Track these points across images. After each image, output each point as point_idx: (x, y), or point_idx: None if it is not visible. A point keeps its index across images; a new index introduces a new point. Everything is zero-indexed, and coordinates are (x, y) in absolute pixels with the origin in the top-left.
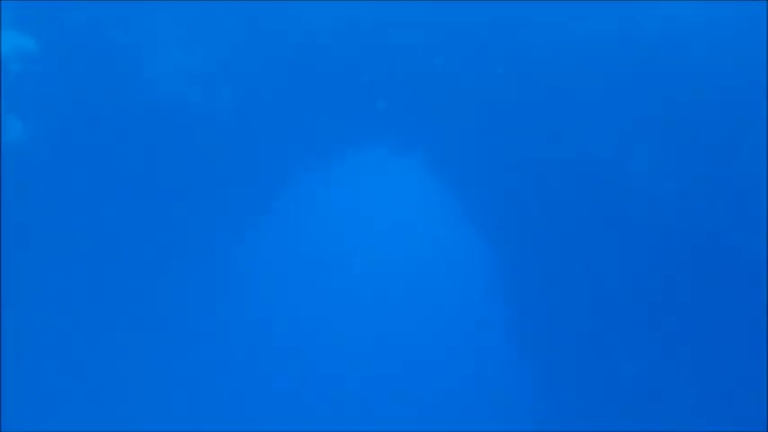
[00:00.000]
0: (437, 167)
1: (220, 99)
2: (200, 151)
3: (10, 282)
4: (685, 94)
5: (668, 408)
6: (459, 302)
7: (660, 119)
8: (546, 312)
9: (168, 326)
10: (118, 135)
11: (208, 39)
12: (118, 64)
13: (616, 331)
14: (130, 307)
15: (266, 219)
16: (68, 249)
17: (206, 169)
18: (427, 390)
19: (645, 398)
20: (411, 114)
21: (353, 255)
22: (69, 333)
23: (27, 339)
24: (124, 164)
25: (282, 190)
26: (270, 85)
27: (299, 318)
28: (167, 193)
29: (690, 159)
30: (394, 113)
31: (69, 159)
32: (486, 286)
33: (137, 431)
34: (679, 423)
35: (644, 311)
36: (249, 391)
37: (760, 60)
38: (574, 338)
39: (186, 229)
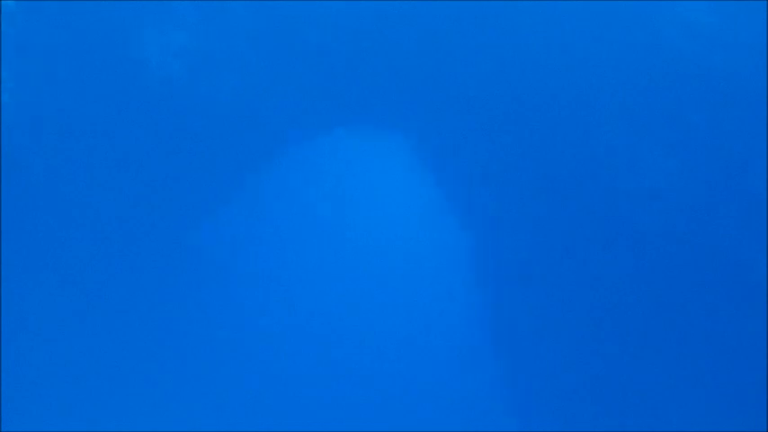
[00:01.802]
0: (424, 150)
1: (207, 75)
2: (187, 125)
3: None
4: (694, 97)
5: (664, 408)
6: (437, 285)
7: (662, 118)
8: (527, 303)
9: (145, 308)
10: (104, 106)
11: (200, 15)
12: (109, 34)
13: (609, 330)
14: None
15: (248, 195)
16: (52, 223)
17: (191, 144)
18: (403, 374)
19: (640, 398)
20: (399, 96)
21: (332, 235)
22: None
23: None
24: (109, 135)
25: (266, 167)
26: (258, 63)
27: (275, 290)
28: (150, 165)
29: (693, 161)
30: (380, 94)
31: (51, 126)
32: (466, 271)
33: (135, 431)
34: (677, 423)
35: (641, 312)
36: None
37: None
38: (561, 333)
39: (167, 205)
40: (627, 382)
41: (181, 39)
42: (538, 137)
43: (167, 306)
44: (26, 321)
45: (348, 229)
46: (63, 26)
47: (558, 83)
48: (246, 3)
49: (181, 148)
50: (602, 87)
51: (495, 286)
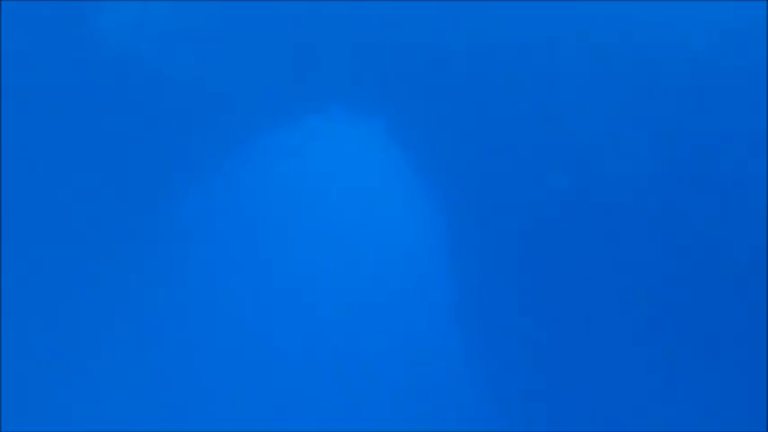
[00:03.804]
0: (399, 135)
1: (178, 53)
2: (147, 107)
3: None
4: (675, 85)
5: (658, 409)
6: (411, 270)
7: (641, 102)
8: (502, 289)
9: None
10: (68, 85)
11: None
12: (71, 12)
13: (588, 317)
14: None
15: (221, 177)
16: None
17: (160, 126)
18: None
19: (625, 393)
20: (374, 80)
21: (305, 220)
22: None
23: None
24: (73, 115)
25: (239, 149)
26: (230, 42)
27: (246, 277)
28: (117, 151)
29: (673, 150)
30: (355, 78)
31: (13, 108)
32: (440, 255)
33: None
34: (672, 423)
35: (621, 299)
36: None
37: (750, 53)
38: (537, 320)
39: (134, 186)
40: (615, 376)
41: (137, 11)
42: (515, 121)
43: (145, 300)
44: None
45: (322, 213)
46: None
47: (535, 67)
48: None
49: (141, 132)
50: (581, 72)
51: (470, 271)
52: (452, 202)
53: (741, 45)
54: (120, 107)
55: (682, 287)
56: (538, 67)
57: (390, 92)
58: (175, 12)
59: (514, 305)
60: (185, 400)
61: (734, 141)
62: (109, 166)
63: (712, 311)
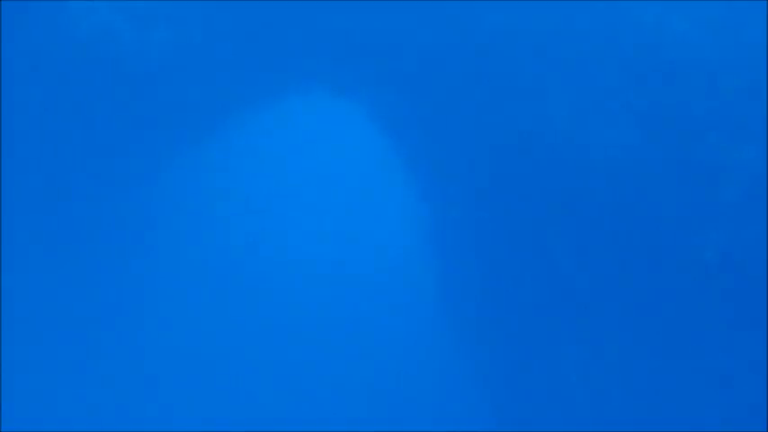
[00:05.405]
0: (381, 119)
1: (155, 34)
2: (132, 88)
3: None
4: (658, 68)
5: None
6: (393, 256)
7: (624, 88)
8: (485, 276)
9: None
10: (41, 67)
11: None
12: None
13: (586, 321)
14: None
15: (202, 158)
16: None
17: (137, 108)
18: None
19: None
20: (359, 62)
21: (286, 204)
22: None
23: None
24: (47, 98)
25: (220, 130)
26: (210, 22)
27: (222, 261)
28: (92, 130)
29: (656, 132)
30: (341, 60)
31: None
32: (423, 241)
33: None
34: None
35: (605, 289)
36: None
37: (738, 40)
38: (520, 308)
39: (107, 170)
40: (612, 374)
41: None
42: (498, 106)
43: (137, 294)
44: None
45: (302, 196)
46: None
47: (518, 51)
48: None
49: (119, 114)
50: (566, 57)
51: (452, 257)
52: (435, 185)
53: (727, 32)
54: (98, 89)
55: (680, 283)
56: (523, 54)
57: (373, 75)
58: None
59: (499, 293)
60: (184, 399)
61: (726, 133)
62: (87, 148)
63: (712, 309)
